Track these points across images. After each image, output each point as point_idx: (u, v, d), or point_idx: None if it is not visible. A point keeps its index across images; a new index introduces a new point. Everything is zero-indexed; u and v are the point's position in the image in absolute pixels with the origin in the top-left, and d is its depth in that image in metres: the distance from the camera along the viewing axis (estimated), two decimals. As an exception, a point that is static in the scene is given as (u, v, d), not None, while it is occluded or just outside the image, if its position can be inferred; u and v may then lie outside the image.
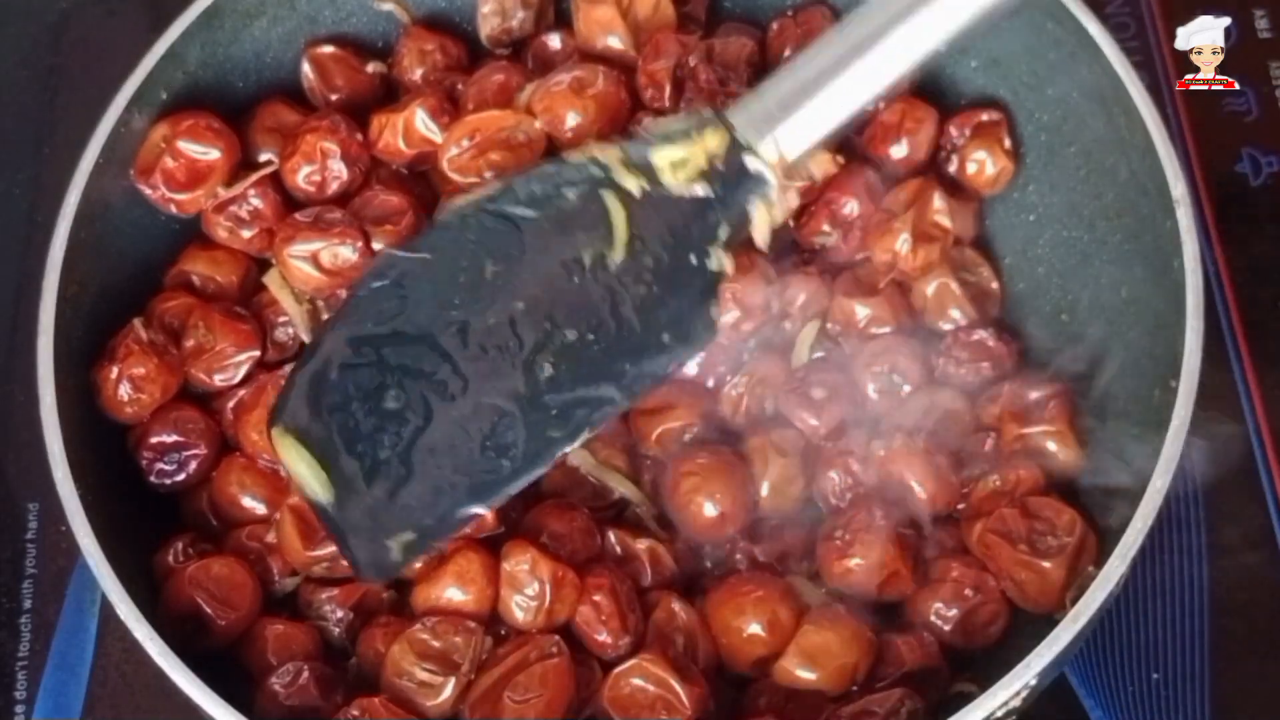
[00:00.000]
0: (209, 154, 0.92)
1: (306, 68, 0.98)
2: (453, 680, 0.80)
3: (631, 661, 0.80)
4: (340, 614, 0.85)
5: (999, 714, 0.74)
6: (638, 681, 0.80)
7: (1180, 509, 0.98)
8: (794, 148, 0.79)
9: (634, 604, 0.83)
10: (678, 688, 0.79)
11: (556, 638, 0.81)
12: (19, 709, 0.96)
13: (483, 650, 0.81)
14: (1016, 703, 0.74)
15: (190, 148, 0.91)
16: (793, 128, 0.79)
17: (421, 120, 0.93)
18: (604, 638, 0.82)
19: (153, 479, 0.88)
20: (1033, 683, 0.74)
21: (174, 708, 0.77)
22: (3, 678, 0.97)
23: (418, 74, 0.99)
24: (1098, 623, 0.76)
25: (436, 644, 0.81)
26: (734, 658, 0.83)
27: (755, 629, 0.82)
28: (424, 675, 0.80)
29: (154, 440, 0.88)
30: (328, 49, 0.99)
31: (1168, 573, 0.96)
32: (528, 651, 0.81)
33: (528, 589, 0.82)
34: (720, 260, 0.80)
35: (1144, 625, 0.95)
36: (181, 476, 0.88)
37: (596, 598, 0.83)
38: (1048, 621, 0.76)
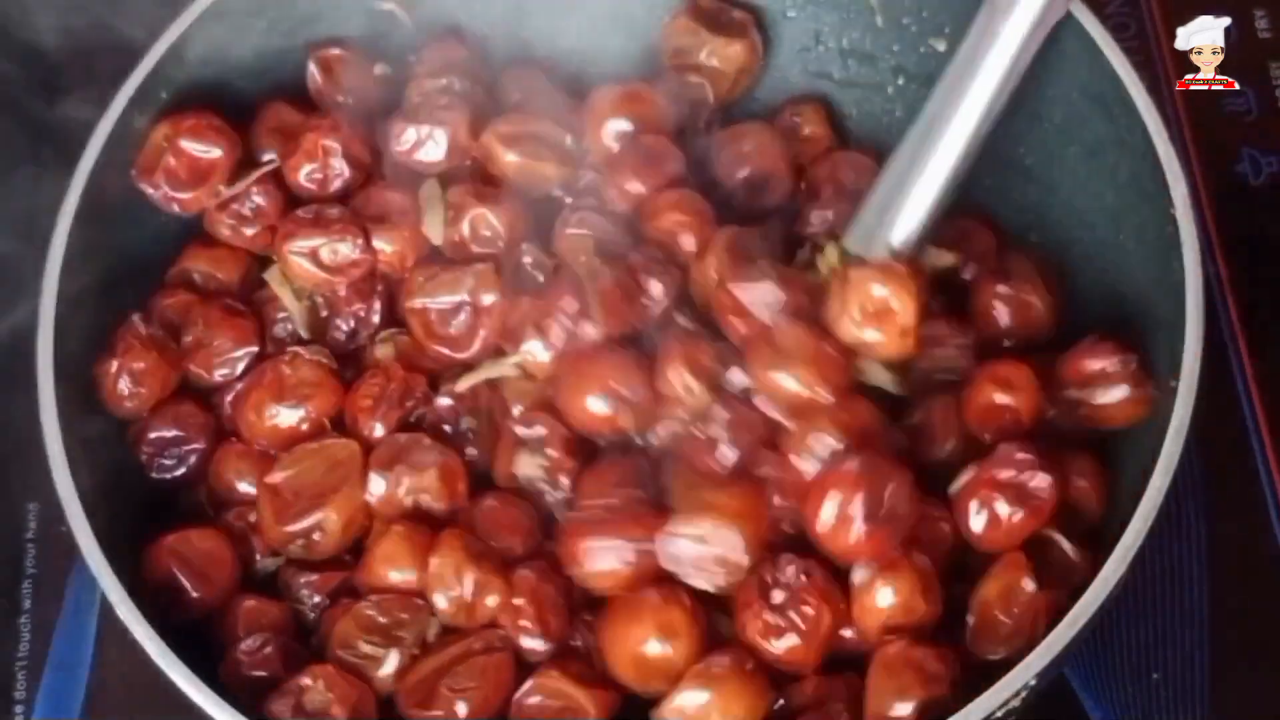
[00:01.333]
0: (211, 152, 0.92)
1: (313, 69, 0.98)
2: (395, 652, 0.81)
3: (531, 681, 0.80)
4: (318, 599, 0.85)
5: (999, 714, 0.74)
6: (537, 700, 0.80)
7: (1180, 509, 0.98)
8: (904, 241, 0.87)
9: (559, 608, 0.82)
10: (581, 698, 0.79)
11: (503, 633, 0.82)
12: (19, 709, 0.96)
13: (428, 628, 0.82)
14: (1016, 703, 0.74)
15: (192, 146, 0.91)
16: (897, 230, 0.87)
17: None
18: (526, 642, 0.82)
19: (153, 474, 0.88)
20: (1032, 683, 0.74)
21: (174, 708, 0.77)
22: (3, 678, 0.97)
23: (443, 83, 0.96)
24: (1097, 623, 0.76)
25: (381, 619, 0.82)
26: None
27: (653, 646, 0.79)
28: (367, 648, 0.81)
29: (154, 435, 0.88)
30: (335, 50, 0.98)
31: (1168, 573, 0.96)
32: (472, 643, 0.81)
33: (452, 589, 0.82)
34: None
35: (1144, 625, 0.95)
36: (181, 471, 0.89)
37: (518, 601, 0.82)
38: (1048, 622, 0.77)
